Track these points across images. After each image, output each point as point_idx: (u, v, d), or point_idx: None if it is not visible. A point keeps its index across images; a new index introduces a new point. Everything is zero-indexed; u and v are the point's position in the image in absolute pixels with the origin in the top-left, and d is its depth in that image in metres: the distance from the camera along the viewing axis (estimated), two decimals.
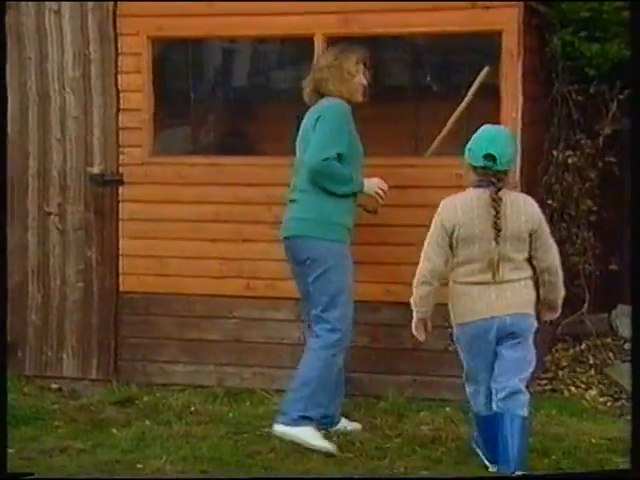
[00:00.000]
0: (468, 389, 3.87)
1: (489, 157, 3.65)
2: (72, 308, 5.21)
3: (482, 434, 3.86)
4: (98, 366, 5.17)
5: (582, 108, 5.30)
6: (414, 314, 3.79)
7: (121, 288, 5.12)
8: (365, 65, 4.26)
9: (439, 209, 3.75)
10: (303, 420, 3.98)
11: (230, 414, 4.58)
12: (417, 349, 4.77)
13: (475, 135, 3.79)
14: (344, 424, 4.34)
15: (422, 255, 3.75)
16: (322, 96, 4.23)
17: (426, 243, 3.75)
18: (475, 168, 3.70)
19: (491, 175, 3.65)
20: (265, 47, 4.48)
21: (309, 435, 3.97)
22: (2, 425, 1.81)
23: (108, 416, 4.61)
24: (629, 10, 4.60)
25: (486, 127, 3.85)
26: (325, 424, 4.20)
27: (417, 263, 4.69)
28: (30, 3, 5.09)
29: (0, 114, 3.85)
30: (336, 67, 4.20)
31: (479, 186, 3.68)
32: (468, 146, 3.75)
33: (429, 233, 3.75)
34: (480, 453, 3.91)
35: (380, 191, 4.28)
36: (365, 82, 4.25)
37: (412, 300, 3.78)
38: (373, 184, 4.26)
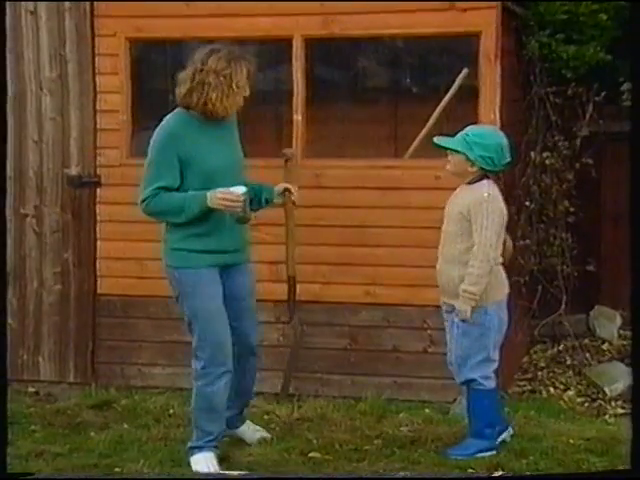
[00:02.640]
0: (488, 370, 3.97)
1: (508, 164, 4.03)
2: (49, 311, 5.17)
3: (493, 412, 4.00)
4: (75, 369, 5.13)
5: (559, 110, 5.34)
6: (470, 301, 3.88)
7: (99, 290, 5.09)
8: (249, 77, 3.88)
9: (494, 202, 3.90)
10: (194, 449, 3.93)
11: None
12: (396, 350, 4.77)
13: (489, 142, 3.91)
14: (246, 430, 4.21)
15: (487, 243, 3.85)
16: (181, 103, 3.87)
17: (492, 232, 3.85)
18: (488, 170, 3.94)
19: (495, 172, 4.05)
20: (244, 48, 4.45)
21: (197, 463, 3.89)
22: (2, 425, 1.81)
23: (85, 420, 4.57)
24: (629, 10, 4.60)
25: (495, 131, 4.08)
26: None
27: (396, 265, 4.71)
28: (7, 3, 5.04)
29: (0, 114, 3.80)
30: (226, 77, 3.77)
31: (489, 178, 3.98)
32: (485, 154, 3.88)
33: (490, 223, 3.85)
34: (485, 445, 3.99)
35: (225, 202, 3.75)
36: (248, 93, 3.89)
37: (477, 288, 3.86)
38: (213, 197, 3.75)
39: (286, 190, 4.10)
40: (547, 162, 5.26)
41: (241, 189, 3.77)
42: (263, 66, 5.79)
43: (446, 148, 3.94)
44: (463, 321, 3.92)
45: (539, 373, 5.22)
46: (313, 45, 4.79)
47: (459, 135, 3.94)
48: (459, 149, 3.90)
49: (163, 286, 5.04)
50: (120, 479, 3.82)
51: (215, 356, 3.86)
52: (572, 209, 5.36)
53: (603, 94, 5.33)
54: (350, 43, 5.43)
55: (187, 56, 4.07)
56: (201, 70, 3.80)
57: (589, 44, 5.31)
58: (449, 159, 3.97)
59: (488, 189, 3.91)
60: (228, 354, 3.90)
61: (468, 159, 3.90)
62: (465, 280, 3.87)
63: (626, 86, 5.92)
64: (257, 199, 4.03)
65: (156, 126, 3.95)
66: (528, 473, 3.81)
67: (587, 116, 5.34)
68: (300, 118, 4.74)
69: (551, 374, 5.19)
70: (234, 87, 3.79)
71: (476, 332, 3.93)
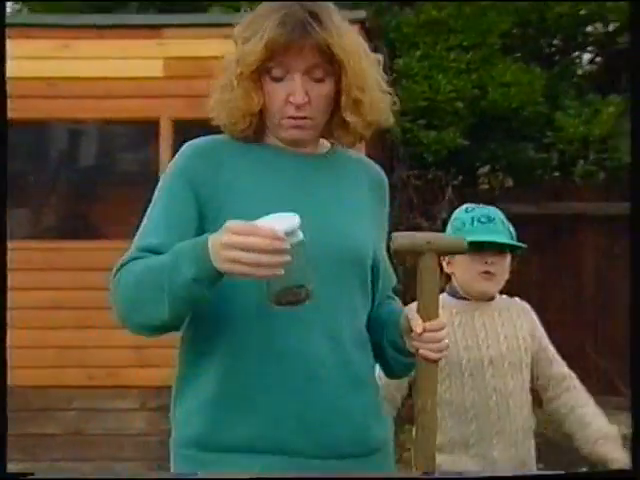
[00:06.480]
0: None
1: None
2: None
3: None
4: None
5: (421, 192, 5.52)
6: None
7: None
8: None
9: None
10: None
11: None
12: None
13: None
14: None
15: None
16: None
17: None
18: None
19: None
20: (111, 129, 4.40)
21: None
22: (2, 426, 1.66)
23: None
24: (629, 9, 4.54)
25: None
26: None
27: None
28: None
29: (0, 115, 3.57)
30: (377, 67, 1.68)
31: None
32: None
33: None
34: None
35: (238, 253, 1.43)
36: None
37: None
38: (222, 240, 1.45)
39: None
40: None
41: (287, 220, 1.50)
42: (129, 147, 5.75)
43: (507, 246, 2.23)
44: None
45: None
46: (180, 127, 4.79)
47: (493, 223, 2.25)
48: (519, 243, 2.27)
49: (21, 375, 4.77)
50: (122, 479, 3.56)
51: None
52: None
53: (460, 178, 5.55)
54: (217, 125, 5.46)
55: (52, 136, 3.98)
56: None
57: (448, 129, 5.55)
58: (490, 268, 2.19)
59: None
60: None
61: (515, 257, 2.29)
62: (600, 428, 2.24)
63: (482, 170, 6.21)
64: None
65: (16, 208, 3.80)
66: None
67: (446, 198, 5.54)
68: None
69: None
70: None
71: None
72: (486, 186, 6.69)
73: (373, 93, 1.64)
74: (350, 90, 1.61)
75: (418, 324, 1.58)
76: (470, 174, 6.36)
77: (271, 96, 1.62)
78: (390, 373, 1.71)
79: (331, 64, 1.60)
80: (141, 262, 1.55)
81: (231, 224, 1.42)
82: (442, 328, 1.60)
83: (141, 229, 1.67)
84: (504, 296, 2.28)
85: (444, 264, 2.20)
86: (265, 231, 1.41)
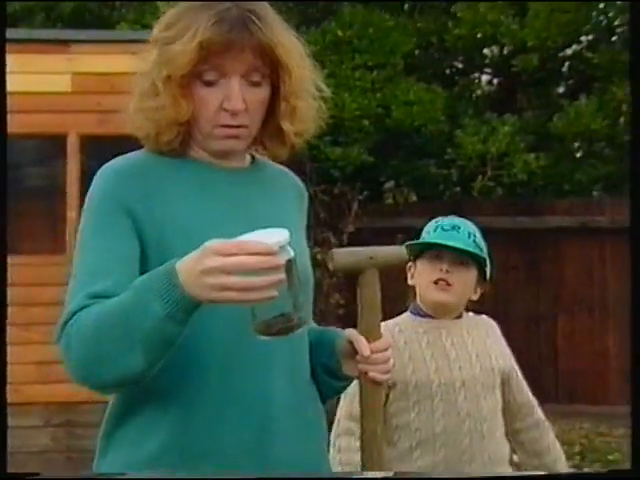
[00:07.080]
0: None
1: None
2: None
3: None
4: None
5: (328, 207, 5.65)
6: None
7: None
8: None
9: None
10: None
11: None
12: None
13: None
14: None
15: None
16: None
17: None
18: None
19: None
20: (18, 143, 4.36)
21: None
22: (2, 425, 1.58)
23: None
24: (629, 9, 4.45)
25: None
26: None
27: None
28: None
29: (0, 115, 3.45)
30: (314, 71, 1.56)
31: None
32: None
33: None
34: None
35: (228, 276, 1.27)
36: None
37: None
38: (202, 260, 1.29)
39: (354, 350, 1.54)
40: (318, 257, 5.52)
41: (277, 234, 1.30)
42: (37, 161, 5.70)
43: (467, 256, 2.05)
44: None
45: None
46: (88, 142, 4.79)
47: (456, 231, 2.09)
48: (476, 252, 2.07)
49: None
50: (126, 479, 3.47)
51: None
52: (342, 302, 5.62)
53: (366, 193, 5.71)
54: (125, 141, 5.48)
55: None
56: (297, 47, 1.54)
57: (354, 146, 5.71)
58: (447, 277, 2.05)
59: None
60: None
61: (483, 274, 2.10)
62: (558, 461, 2.16)
63: (387, 185, 6.39)
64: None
65: None
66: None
67: (352, 213, 5.68)
68: (74, 215, 4.68)
69: None
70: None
71: None
72: (391, 201, 6.89)
73: (309, 99, 1.51)
74: (290, 96, 1.47)
75: (365, 346, 1.48)
76: (375, 189, 6.54)
77: (202, 102, 1.45)
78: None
79: (269, 67, 1.45)
80: (95, 309, 1.34)
81: (212, 244, 1.24)
82: (388, 348, 1.51)
83: (80, 272, 1.41)
84: (470, 313, 2.16)
85: (408, 275, 2.11)
86: (255, 247, 1.23)
